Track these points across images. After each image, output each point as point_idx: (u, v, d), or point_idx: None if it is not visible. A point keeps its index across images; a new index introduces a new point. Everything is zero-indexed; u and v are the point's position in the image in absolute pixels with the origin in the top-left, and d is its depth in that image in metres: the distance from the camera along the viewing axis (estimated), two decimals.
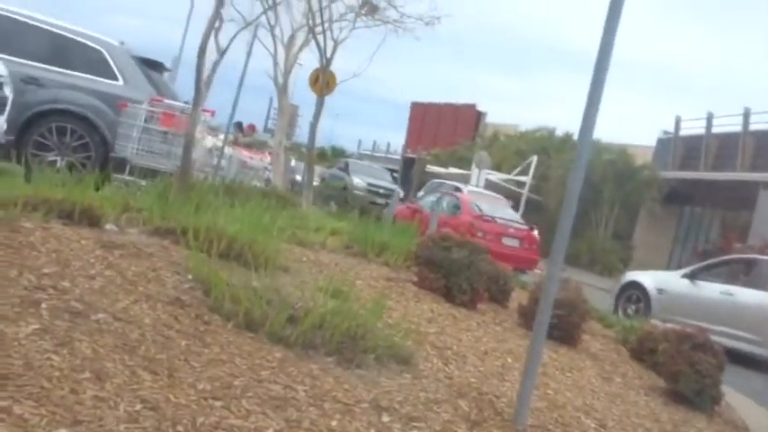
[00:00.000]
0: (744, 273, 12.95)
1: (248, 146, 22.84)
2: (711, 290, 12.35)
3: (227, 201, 7.85)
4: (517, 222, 18.23)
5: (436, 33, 16.52)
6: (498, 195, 23.68)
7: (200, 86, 7.78)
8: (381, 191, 27.86)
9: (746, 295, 11.81)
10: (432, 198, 20.38)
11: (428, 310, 6.21)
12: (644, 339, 7.24)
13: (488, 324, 6.49)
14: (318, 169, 30.97)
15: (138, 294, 4.13)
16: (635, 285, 13.77)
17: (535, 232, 17.77)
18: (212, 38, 8.13)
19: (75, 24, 11.00)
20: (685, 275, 13.08)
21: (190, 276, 4.67)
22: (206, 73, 7.89)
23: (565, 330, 6.78)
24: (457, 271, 6.81)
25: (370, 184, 28.09)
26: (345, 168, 30.90)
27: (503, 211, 18.78)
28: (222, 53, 7.96)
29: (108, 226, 5.48)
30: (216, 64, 7.89)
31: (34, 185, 5.79)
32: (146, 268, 4.59)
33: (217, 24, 7.95)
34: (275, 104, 21.75)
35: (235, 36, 8.83)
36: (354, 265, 7.07)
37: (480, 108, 51.10)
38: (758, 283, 12.00)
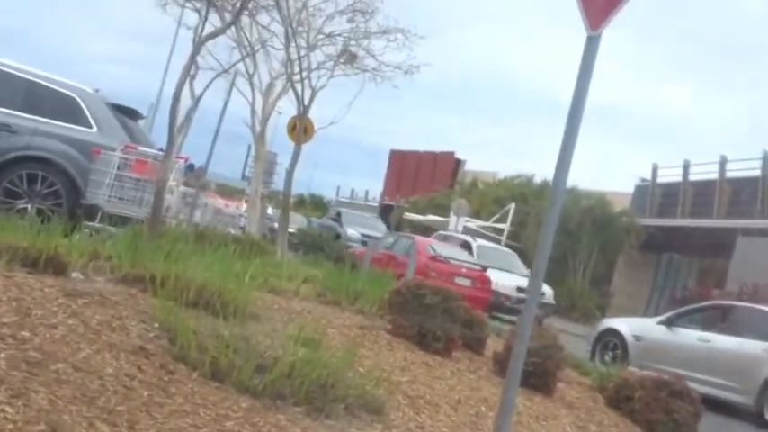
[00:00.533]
0: (721, 319, 13.03)
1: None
2: (688, 336, 12.42)
3: (200, 248, 7.80)
4: (470, 264, 18.98)
5: (415, 82, 16.69)
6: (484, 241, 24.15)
7: (174, 133, 7.76)
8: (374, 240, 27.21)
9: (723, 342, 11.86)
10: (391, 239, 21.28)
11: (401, 358, 6.14)
12: (620, 387, 7.19)
13: (462, 372, 6.42)
14: (299, 218, 30.89)
15: (101, 343, 4.05)
16: (612, 332, 13.79)
17: (488, 273, 18.52)
18: (188, 85, 8.16)
19: (52, 72, 11.00)
20: (662, 322, 13.15)
21: (156, 325, 4.59)
22: (180, 120, 7.88)
23: (540, 378, 6.72)
24: (431, 318, 6.76)
25: (364, 235, 27.25)
26: (338, 218, 30.29)
27: (458, 254, 19.74)
28: (197, 100, 7.98)
29: (74, 274, 5.39)
30: (191, 111, 7.91)
31: None
32: (110, 317, 4.50)
33: (192, 72, 7.97)
34: (253, 152, 21.84)
35: (210, 84, 8.86)
36: (327, 312, 7.00)
37: (459, 156, 51.47)
38: (735, 330, 12.09)
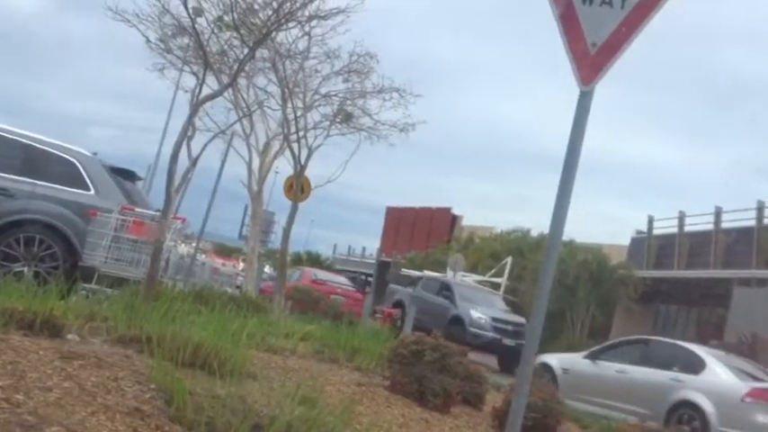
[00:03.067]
0: (636, 352, 14.13)
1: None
2: (608, 369, 13.62)
3: (196, 308, 7.78)
4: (346, 285, 28.68)
5: (411, 139, 16.81)
6: None
7: (171, 194, 7.79)
8: (510, 327, 21.41)
9: (637, 372, 13.15)
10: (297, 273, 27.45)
11: (399, 414, 6.08)
12: None
13: (461, 428, 6.35)
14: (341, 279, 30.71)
15: (97, 406, 4.00)
16: (545, 366, 14.58)
17: (363, 294, 26.53)
18: (185, 146, 8.21)
19: (50, 135, 11.09)
20: (587, 356, 14.44)
21: (152, 386, 4.53)
22: (177, 180, 7.91)
23: None
24: (429, 374, 6.71)
25: (495, 319, 21.58)
26: (448, 293, 23.14)
27: (337, 279, 29.43)
28: (194, 161, 8.04)
29: (70, 336, 5.36)
30: (188, 171, 7.94)
31: None
32: (106, 378, 4.46)
33: (189, 133, 8.03)
34: (250, 211, 21.89)
35: (207, 145, 8.93)
36: (325, 370, 6.94)
37: (455, 211, 51.59)
38: (647, 361, 13.38)
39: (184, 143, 7.83)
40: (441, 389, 6.65)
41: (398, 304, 24.71)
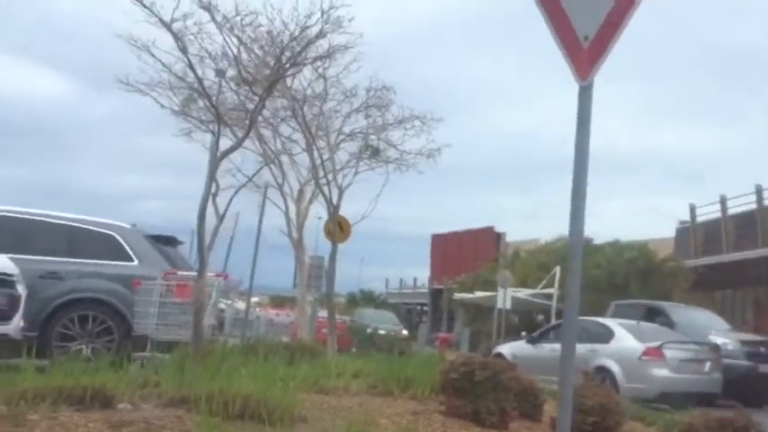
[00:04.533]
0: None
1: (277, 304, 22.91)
2: (544, 349, 15.45)
3: (248, 360, 7.73)
4: None
5: (442, 164, 16.80)
6: None
7: (204, 252, 7.80)
8: (763, 349, 16.73)
9: None
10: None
11: None
12: (685, 431, 6.84)
13: None
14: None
15: None
16: (499, 355, 16.24)
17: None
18: (212, 203, 8.24)
19: (93, 214, 11.31)
20: (528, 341, 16.73)
21: None
22: (209, 238, 7.92)
23: None
24: (482, 393, 6.55)
25: (745, 342, 16.96)
26: (663, 319, 18.11)
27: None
28: (221, 216, 8.07)
29: (121, 405, 5.33)
30: (217, 228, 7.95)
31: (46, 375, 5.70)
32: None
33: (213, 190, 8.05)
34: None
35: (233, 197, 8.99)
36: (379, 403, 6.81)
37: (498, 229, 51.24)
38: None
39: (210, 201, 7.81)
40: (495, 406, 6.49)
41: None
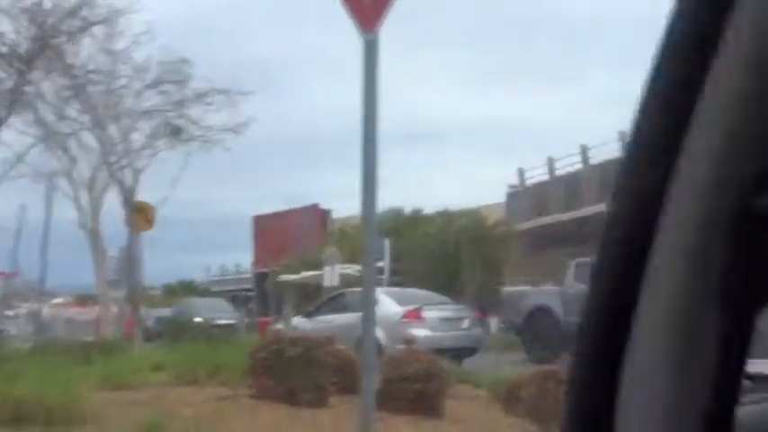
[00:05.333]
0: (336, 304, 18.80)
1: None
2: (318, 322, 17.88)
3: (35, 362, 7.41)
4: None
5: (256, 142, 16.68)
6: None
7: None
8: None
9: (338, 319, 16.82)
10: None
11: (270, 419, 5.92)
12: (511, 389, 7.20)
13: (342, 416, 6.25)
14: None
15: None
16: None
17: None
18: None
19: None
20: (304, 316, 19.55)
21: None
22: None
23: (427, 402, 6.65)
24: (295, 371, 6.58)
25: None
26: None
27: None
28: None
29: None
30: None
31: None
32: None
33: None
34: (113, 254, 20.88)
35: None
36: (183, 393, 6.71)
37: (324, 206, 51.36)
38: (344, 309, 17.32)
39: None
40: (311, 383, 6.54)
41: (540, 311, 21.45)
